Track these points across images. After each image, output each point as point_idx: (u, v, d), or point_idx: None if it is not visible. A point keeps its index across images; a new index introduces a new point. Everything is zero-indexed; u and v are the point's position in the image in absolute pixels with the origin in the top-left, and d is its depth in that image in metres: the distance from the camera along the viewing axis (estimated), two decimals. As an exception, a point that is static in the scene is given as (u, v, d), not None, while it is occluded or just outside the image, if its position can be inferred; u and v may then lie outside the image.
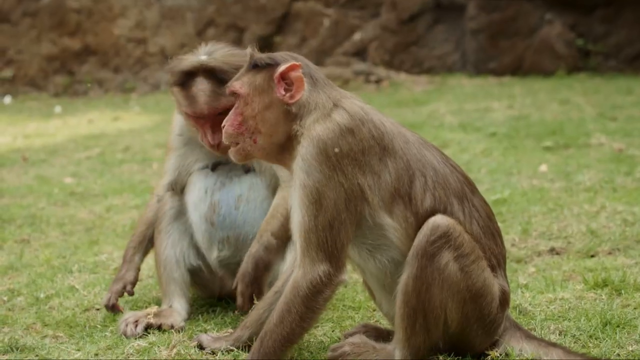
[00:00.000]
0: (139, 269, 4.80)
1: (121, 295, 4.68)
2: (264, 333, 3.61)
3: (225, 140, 3.77)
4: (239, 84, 3.72)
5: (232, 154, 3.78)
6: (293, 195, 3.62)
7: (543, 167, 8.12)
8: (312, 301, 3.55)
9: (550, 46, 16.20)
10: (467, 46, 16.76)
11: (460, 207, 3.66)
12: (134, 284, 4.74)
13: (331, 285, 3.56)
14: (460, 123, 11.20)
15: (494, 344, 3.73)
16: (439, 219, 3.56)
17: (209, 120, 4.48)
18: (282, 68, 3.65)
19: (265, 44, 16.53)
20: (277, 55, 3.75)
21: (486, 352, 3.72)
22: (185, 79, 4.51)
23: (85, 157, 10.55)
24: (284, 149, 3.70)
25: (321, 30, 17.27)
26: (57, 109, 15.67)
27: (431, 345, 3.65)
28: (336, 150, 3.55)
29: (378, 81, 16.23)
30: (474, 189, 3.77)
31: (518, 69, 16.43)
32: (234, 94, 3.74)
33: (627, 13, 16.06)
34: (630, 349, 3.80)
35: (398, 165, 3.63)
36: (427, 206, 3.61)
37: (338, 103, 3.67)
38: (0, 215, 7.27)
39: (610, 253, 5.38)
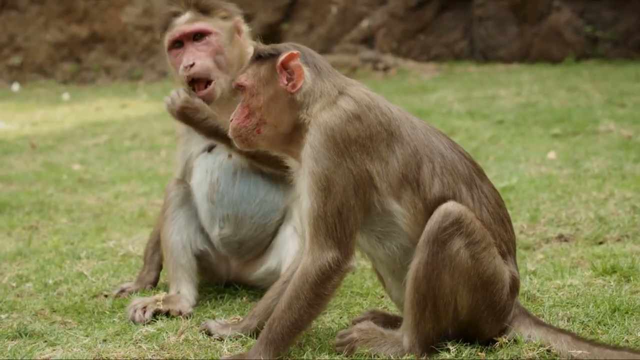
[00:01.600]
0: (160, 268, 4.94)
1: None
2: (272, 319, 3.61)
3: (231, 134, 3.79)
4: (244, 76, 3.74)
5: (236, 142, 3.81)
6: (301, 183, 3.63)
7: (551, 154, 8.10)
8: (321, 287, 3.56)
9: (559, 33, 16.14)
10: (474, 33, 16.72)
11: (469, 194, 3.65)
12: (154, 284, 4.90)
13: (340, 271, 3.56)
14: (468, 110, 11.18)
15: (502, 331, 3.72)
16: (451, 206, 3.56)
17: (187, 46, 4.61)
18: (281, 58, 3.66)
19: (273, 32, 16.51)
20: (280, 45, 3.78)
21: (495, 338, 3.71)
22: (171, 19, 4.69)
23: (93, 144, 10.57)
24: (291, 139, 3.71)
25: (329, 17, 17.23)
26: (65, 96, 15.69)
27: (440, 332, 3.65)
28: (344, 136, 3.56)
29: (386, 69, 16.20)
30: (482, 176, 3.76)
31: (526, 56, 16.38)
32: (240, 86, 3.75)
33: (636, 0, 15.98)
34: (639, 335, 3.79)
35: (405, 151, 3.63)
36: (435, 192, 3.61)
37: (343, 90, 3.68)
38: (9, 202, 7.28)
39: (618, 240, 5.37)
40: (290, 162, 3.81)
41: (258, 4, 17.19)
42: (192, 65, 4.55)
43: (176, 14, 4.70)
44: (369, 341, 3.72)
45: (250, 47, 4.78)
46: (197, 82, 4.59)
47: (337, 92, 3.67)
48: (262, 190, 4.63)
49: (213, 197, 4.63)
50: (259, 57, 3.75)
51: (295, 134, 3.69)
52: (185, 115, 4.51)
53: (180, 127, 4.81)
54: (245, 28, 4.78)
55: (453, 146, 3.75)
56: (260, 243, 4.72)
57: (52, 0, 17.75)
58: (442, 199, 3.60)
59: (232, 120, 3.77)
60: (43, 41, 17.86)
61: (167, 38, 4.68)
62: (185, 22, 4.65)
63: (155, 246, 4.94)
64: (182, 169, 4.81)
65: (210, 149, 4.70)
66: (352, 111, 3.60)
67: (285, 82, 3.67)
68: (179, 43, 4.65)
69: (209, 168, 4.67)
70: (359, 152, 3.57)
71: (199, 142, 4.74)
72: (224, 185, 4.62)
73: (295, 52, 3.66)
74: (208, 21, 4.67)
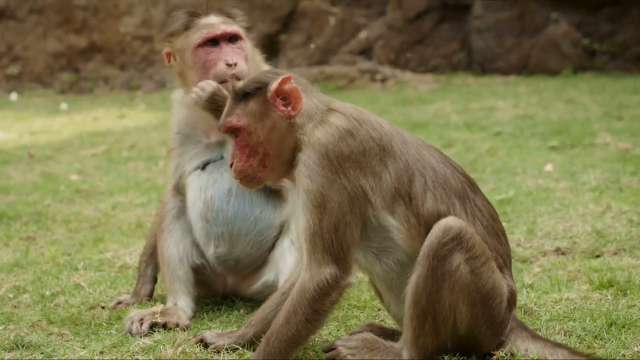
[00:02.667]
0: (154, 281, 4.95)
1: None
2: (270, 333, 3.62)
3: (235, 176, 3.73)
4: (234, 118, 3.67)
5: (242, 184, 3.77)
6: (297, 201, 3.62)
7: (548, 167, 8.10)
8: (319, 303, 3.55)
9: (556, 45, 16.18)
10: (472, 45, 16.75)
11: (463, 208, 3.66)
12: (150, 297, 4.91)
13: (338, 288, 3.56)
14: (465, 122, 11.19)
15: (499, 344, 3.73)
16: (451, 221, 3.56)
17: (222, 46, 4.60)
18: (274, 86, 3.63)
19: (271, 42, 16.53)
20: (261, 76, 3.74)
21: (491, 352, 3.72)
22: (193, 19, 4.67)
23: (91, 155, 10.56)
24: (290, 163, 3.69)
25: (327, 28, 17.26)
26: (63, 106, 15.69)
27: (439, 346, 3.65)
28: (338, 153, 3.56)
29: (384, 80, 16.22)
30: (475, 189, 3.77)
31: (524, 68, 16.42)
32: (231, 129, 3.69)
33: (634, 12, 16.02)
34: (636, 349, 3.79)
35: (397, 166, 3.63)
36: (428, 206, 3.61)
37: (330, 105, 3.69)
38: (6, 212, 7.28)
39: (615, 253, 5.37)
40: (285, 182, 3.80)
41: (256, 15, 17.21)
42: (236, 64, 4.55)
43: (197, 15, 4.68)
44: (373, 350, 3.73)
45: (262, 62, 4.79)
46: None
47: (325, 107, 3.68)
48: (257, 207, 4.61)
49: (207, 215, 4.62)
50: (244, 95, 3.69)
51: (291, 157, 3.67)
52: (214, 103, 4.44)
53: (174, 139, 4.79)
54: None
55: (445, 160, 3.76)
56: (257, 259, 4.71)
57: (51, 10, 17.77)
58: (436, 213, 3.60)
59: (232, 164, 3.72)
60: (41, 51, 17.87)
61: (200, 35, 4.60)
62: (222, 23, 4.65)
63: (149, 259, 4.94)
64: (176, 182, 4.78)
65: (204, 167, 4.68)
66: (345, 127, 3.60)
67: (283, 109, 3.65)
68: (213, 42, 4.62)
69: (202, 186, 4.65)
70: (353, 168, 3.57)
71: (192, 157, 4.72)
72: (218, 203, 4.60)
73: (287, 75, 3.64)
74: (239, 26, 4.69)
